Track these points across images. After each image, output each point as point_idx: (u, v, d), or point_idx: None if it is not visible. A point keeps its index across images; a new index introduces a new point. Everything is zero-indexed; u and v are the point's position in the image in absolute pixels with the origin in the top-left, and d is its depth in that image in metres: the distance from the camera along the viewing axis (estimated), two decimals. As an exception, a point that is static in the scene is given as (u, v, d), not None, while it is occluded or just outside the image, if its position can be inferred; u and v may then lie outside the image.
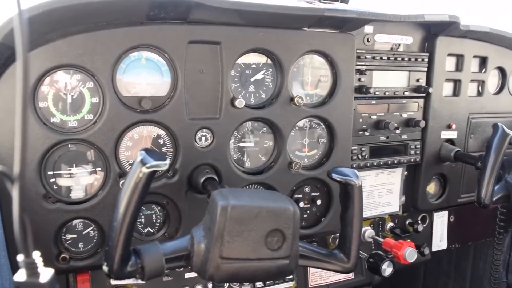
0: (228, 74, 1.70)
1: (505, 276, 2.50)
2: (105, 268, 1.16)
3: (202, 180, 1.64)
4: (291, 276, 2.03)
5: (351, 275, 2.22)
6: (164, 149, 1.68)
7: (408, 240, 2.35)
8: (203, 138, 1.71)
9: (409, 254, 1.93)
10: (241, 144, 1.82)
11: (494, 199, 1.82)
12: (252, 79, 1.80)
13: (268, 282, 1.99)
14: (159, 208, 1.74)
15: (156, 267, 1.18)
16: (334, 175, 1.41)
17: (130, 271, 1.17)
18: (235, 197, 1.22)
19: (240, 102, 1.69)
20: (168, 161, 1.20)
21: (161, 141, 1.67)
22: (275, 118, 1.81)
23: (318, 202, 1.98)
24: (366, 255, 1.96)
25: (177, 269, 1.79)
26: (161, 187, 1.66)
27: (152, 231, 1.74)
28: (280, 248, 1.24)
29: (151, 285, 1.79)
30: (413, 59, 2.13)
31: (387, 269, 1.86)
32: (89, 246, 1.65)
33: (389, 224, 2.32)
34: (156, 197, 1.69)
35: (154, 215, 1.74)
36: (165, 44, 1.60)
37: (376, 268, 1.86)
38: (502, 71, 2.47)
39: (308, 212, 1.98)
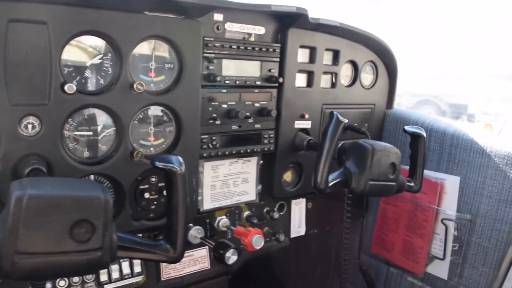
0: (57, 57, 1.58)
1: (358, 257, 2.67)
2: None
3: (26, 171, 1.52)
4: (139, 270, 1.97)
5: (206, 265, 2.21)
6: None
7: (266, 227, 2.42)
8: (30, 126, 1.57)
9: (256, 241, 1.97)
10: (77, 133, 1.71)
11: (331, 184, 1.89)
12: (88, 64, 1.69)
13: (115, 277, 1.90)
14: None
15: None
16: (157, 163, 1.37)
17: None
18: (34, 186, 1.13)
19: (70, 88, 1.58)
20: None
21: (-21, 130, 1.51)
22: (113, 105, 1.72)
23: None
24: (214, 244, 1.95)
25: None
26: None
27: None
28: (90, 240, 1.18)
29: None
30: (264, 49, 2.15)
31: (231, 257, 1.86)
32: None
33: (246, 213, 2.33)
34: None
35: None
36: None
37: (220, 257, 1.86)
38: (354, 64, 2.60)
39: (156, 203, 1.92)
